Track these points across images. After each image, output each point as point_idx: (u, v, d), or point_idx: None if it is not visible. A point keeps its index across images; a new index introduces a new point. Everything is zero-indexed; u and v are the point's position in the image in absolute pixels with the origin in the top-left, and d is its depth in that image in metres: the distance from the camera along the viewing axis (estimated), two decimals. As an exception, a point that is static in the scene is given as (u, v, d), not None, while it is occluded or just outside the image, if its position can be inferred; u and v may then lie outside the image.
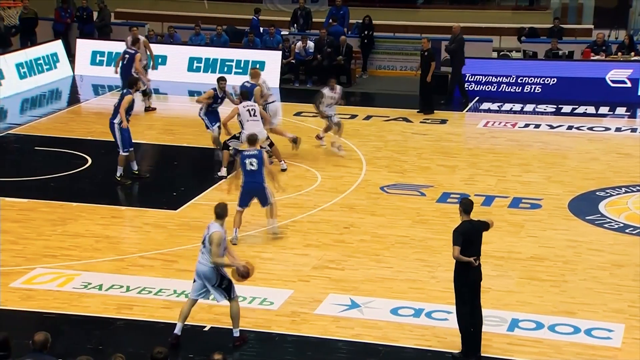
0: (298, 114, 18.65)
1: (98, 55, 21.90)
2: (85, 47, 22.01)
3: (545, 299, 10.29)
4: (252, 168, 11.64)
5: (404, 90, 20.46)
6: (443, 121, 18.26)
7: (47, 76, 20.87)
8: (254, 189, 11.70)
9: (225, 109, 15.31)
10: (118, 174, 13.93)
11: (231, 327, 9.26)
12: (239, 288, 10.32)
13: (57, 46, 21.65)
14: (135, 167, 14.25)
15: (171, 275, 10.78)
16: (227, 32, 22.58)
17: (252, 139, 12.01)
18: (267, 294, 10.29)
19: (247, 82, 15.60)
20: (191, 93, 20.63)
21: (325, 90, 15.61)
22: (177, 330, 9.18)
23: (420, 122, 18.08)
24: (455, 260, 8.87)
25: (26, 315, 9.81)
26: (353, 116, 18.49)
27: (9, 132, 17.14)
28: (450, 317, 9.74)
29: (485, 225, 9.18)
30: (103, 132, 15.53)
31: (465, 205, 9.11)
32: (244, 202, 11.75)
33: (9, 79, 19.66)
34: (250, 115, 13.83)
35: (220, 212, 9.21)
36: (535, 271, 11.07)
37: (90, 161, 15.09)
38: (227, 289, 9.14)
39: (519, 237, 12.18)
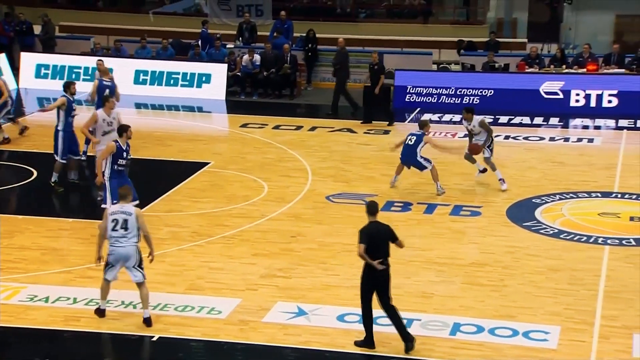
0: (244, 125, 18.60)
1: (43, 68, 21.54)
2: (29, 60, 21.62)
3: (486, 303, 10.43)
4: (409, 143, 13.92)
5: (347, 102, 20.56)
6: (386, 132, 18.42)
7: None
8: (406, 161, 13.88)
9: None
10: (52, 180, 13.79)
11: (180, 337, 9.16)
12: (185, 298, 10.22)
13: (1, 59, 21.21)
14: (73, 176, 14.00)
15: (119, 287, 10.57)
16: (173, 45, 22.44)
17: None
18: (215, 303, 10.22)
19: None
20: (137, 105, 20.41)
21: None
22: (102, 306, 9.80)
23: (364, 132, 18.21)
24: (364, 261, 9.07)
25: (-28, 329, 9.54)
26: (298, 127, 18.52)
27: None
28: (396, 323, 9.81)
29: (392, 234, 9.29)
30: (48, 145, 15.24)
31: (370, 207, 9.31)
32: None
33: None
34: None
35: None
36: (476, 276, 11.22)
37: (35, 174, 14.80)
38: (141, 268, 9.59)
39: (461, 244, 12.34)
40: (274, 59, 21.08)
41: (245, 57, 21.38)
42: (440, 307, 10.26)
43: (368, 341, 9.30)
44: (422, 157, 14.17)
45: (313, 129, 18.44)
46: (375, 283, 9.16)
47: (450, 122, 19.23)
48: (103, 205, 11.76)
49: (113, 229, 9.50)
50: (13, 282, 10.68)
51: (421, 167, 14.24)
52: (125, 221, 9.50)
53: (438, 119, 19.40)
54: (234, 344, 9.38)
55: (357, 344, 9.33)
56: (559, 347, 9.41)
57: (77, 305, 10.09)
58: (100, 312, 9.86)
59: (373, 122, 18.67)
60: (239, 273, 11.13)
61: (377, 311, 9.31)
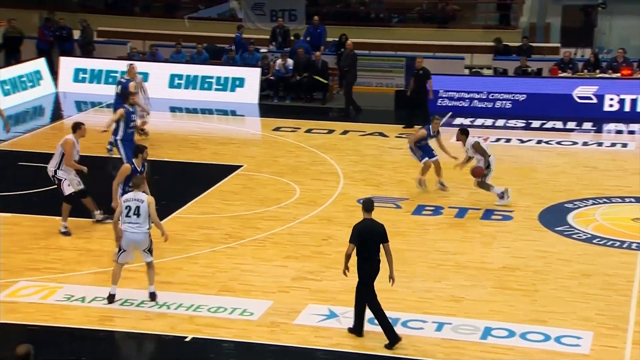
0: (276, 129, 18.66)
1: (80, 72, 21.80)
2: (68, 64, 21.91)
3: (516, 307, 10.33)
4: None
5: (379, 106, 20.56)
6: (417, 136, 18.29)
7: (30, 93, 20.73)
8: None
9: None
10: None
11: (213, 337, 9.20)
12: (218, 299, 10.27)
13: (41, 64, 21.53)
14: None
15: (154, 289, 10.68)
16: (208, 50, 22.59)
17: None
18: (247, 304, 10.24)
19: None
20: (172, 109, 20.57)
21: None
22: (112, 291, 10.12)
23: (396, 136, 18.15)
24: (357, 256, 9.21)
25: (9, 327, 9.67)
26: (330, 131, 18.52)
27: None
28: (426, 326, 9.78)
29: (384, 235, 9.33)
30: (85, 147, 15.41)
31: (366, 204, 9.47)
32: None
33: (-7, 96, 19.53)
34: None
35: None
36: (507, 281, 11.12)
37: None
38: (151, 251, 10.10)
39: (492, 248, 12.24)
40: (306, 64, 21.13)
41: (279, 61, 21.45)
42: (470, 311, 10.18)
43: (358, 328, 9.41)
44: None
45: (345, 132, 18.43)
46: (371, 273, 9.31)
47: (482, 126, 19.09)
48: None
49: (126, 215, 9.91)
50: (50, 282, 10.82)
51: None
52: (138, 208, 9.90)
53: (470, 123, 19.26)
54: (265, 346, 9.40)
55: (350, 330, 9.48)
56: (591, 352, 9.29)
57: (112, 306, 10.18)
58: (110, 298, 10.06)
59: (414, 127, 18.57)
60: (271, 275, 11.15)
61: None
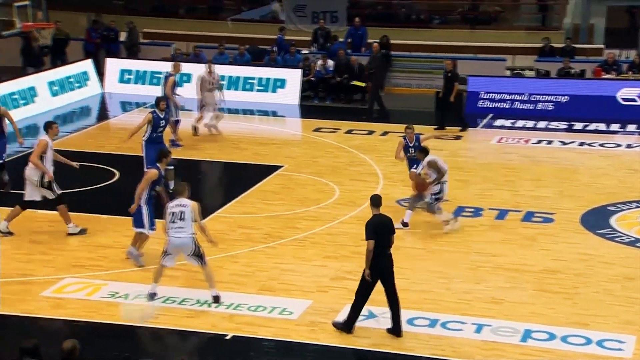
0: (317, 129, 18.69)
1: (126, 73, 22.09)
2: (114, 65, 22.22)
3: (557, 310, 10.20)
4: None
5: (419, 107, 20.45)
6: (457, 137, 18.22)
7: (77, 94, 21.07)
8: None
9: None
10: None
11: (253, 336, 9.26)
12: (258, 298, 10.32)
13: (88, 65, 21.88)
14: (172, 186, 13.77)
15: (194, 285, 10.79)
16: (250, 51, 22.72)
17: None
18: (287, 304, 10.28)
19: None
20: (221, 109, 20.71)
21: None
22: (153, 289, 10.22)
23: (435, 137, 18.00)
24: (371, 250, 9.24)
25: (56, 323, 9.85)
26: (370, 132, 18.49)
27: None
28: (465, 328, 9.70)
29: (393, 227, 9.51)
30: (130, 147, 15.65)
31: (374, 200, 9.57)
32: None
33: (41, 97, 19.87)
34: None
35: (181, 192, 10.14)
36: (547, 283, 10.98)
37: (118, 175, 15.18)
38: (200, 256, 10.05)
39: (532, 250, 12.10)
40: (345, 66, 21.13)
41: (319, 62, 21.49)
42: (510, 314, 10.08)
43: (349, 325, 9.46)
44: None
45: (385, 133, 18.38)
46: (380, 273, 9.32)
47: (524, 128, 18.89)
48: (140, 230, 11.30)
49: (171, 221, 10.02)
50: (95, 279, 10.99)
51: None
52: (182, 213, 9.98)
53: (511, 125, 19.09)
54: (305, 345, 9.42)
55: (336, 324, 9.53)
56: (633, 356, 9.13)
57: (154, 303, 10.30)
58: (151, 296, 10.15)
59: (446, 128, 18.48)
60: (310, 275, 11.18)
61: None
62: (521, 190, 14.56)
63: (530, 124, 19.15)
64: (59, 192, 12.35)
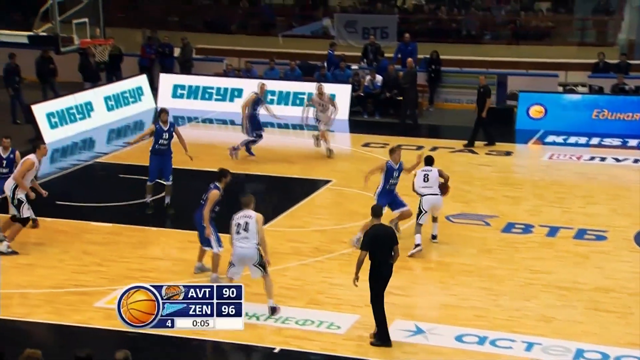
0: (366, 144, 18.66)
1: (179, 88, 22.40)
2: (167, 81, 22.55)
3: (610, 330, 9.96)
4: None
5: (469, 123, 20.24)
6: (508, 153, 18.02)
7: (132, 108, 21.44)
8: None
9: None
10: (147, 200, 13.84)
11: (300, 349, 9.26)
12: (306, 312, 10.30)
13: (142, 80, 22.26)
14: (167, 200, 13.99)
15: (244, 299, 10.82)
16: (300, 67, 22.85)
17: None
18: (335, 318, 10.25)
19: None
20: (264, 124, 20.87)
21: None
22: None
23: (486, 153, 17.87)
24: (371, 261, 9.34)
25: (109, 333, 9.98)
26: (419, 147, 18.38)
27: (96, 160, 17.64)
28: (515, 346, 9.54)
29: (395, 238, 9.57)
30: (182, 161, 15.84)
31: (375, 209, 9.74)
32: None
33: (97, 111, 20.27)
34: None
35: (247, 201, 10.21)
36: (600, 302, 10.74)
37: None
38: (263, 267, 10.13)
39: (584, 268, 11.85)
40: (394, 81, 21.11)
41: (367, 77, 21.51)
42: (561, 332, 9.88)
43: (384, 338, 9.44)
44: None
45: (434, 149, 18.26)
46: (380, 278, 9.38)
47: (576, 144, 18.58)
48: (215, 250, 11.12)
49: (236, 232, 10.11)
50: (146, 290, 11.10)
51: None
52: (247, 224, 10.08)
53: (563, 142, 18.80)
54: None
55: (374, 344, 9.44)
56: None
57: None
58: (272, 310, 10.26)
59: (496, 143, 18.29)
60: (358, 289, 11.10)
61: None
62: (573, 208, 14.30)
63: (582, 140, 18.82)
64: (26, 216, 12.08)
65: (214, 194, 11.00)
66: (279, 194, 15.48)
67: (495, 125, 19.78)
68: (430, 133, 20.03)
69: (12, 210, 12.11)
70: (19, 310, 10.49)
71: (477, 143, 18.36)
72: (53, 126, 18.92)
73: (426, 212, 12.25)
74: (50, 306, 10.58)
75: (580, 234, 13.07)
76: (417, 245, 12.11)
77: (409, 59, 20.93)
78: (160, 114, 14.19)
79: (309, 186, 15.59)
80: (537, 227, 13.38)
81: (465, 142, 18.34)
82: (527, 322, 10.13)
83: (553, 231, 13.20)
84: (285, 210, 14.23)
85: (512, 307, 10.60)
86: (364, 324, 10.10)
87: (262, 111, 17.16)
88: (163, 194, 14.23)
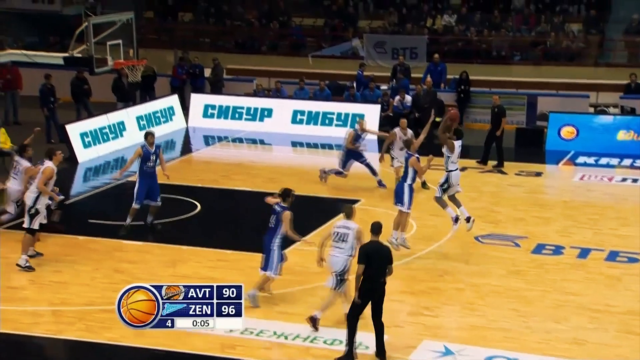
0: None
1: (210, 108, 22.62)
2: (198, 101, 22.79)
3: (643, 354, 9.81)
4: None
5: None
6: (538, 174, 17.89)
7: (163, 128, 21.68)
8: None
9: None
10: (126, 222, 13.70)
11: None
12: (335, 332, 10.28)
13: (174, 100, 22.53)
14: (148, 220, 13.98)
15: (272, 317, 10.86)
16: (330, 87, 22.96)
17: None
18: (363, 338, 10.19)
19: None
20: (294, 144, 20.98)
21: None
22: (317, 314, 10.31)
23: (515, 174, 17.77)
24: (363, 276, 9.37)
25: (139, 351, 10.05)
26: (463, 169, 18.30)
27: (128, 179, 17.81)
28: (545, 369, 9.42)
29: (390, 257, 9.59)
30: (212, 180, 16.01)
31: (373, 226, 9.73)
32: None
33: (130, 131, 20.53)
34: None
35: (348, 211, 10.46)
36: (633, 325, 10.58)
37: (199, 207, 15.48)
38: (342, 282, 10.23)
39: (616, 291, 11.70)
40: (426, 101, 21.10)
41: (397, 97, 21.53)
42: (594, 355, 9.75)
43: (350, 356, 9.43)
44: (409, 189, 12.75)
45: (463, 169, 18.14)
46: (369, 296, 9.38)
47: (607, 165, 18.39)
48: (273, 275, 11.16)
49: (334, 240, 10.36)
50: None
51: (397, 200, 12.87)
52: (345, 235, 10.27)
53: (594, 162, 18.62)
54: (380, 380, 9.32)
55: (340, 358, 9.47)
56: None
57: (232, 334, 10.36)
58: (312, 321, 10.31)
59: (524, 162, 18.21)
60: (387, 310, 11.03)
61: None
62: (605, 229, 14.14)
63: (614, 161, 18.63)
64: (35, 227, 12.24)
65: (287, 215, 10.97)
66: (308, 213, 15.49)
67: (525, 146, 19.72)
68: (460, 153, 19.92)
69: (25, 220, 12.28)
70: (51, 327, 10.61)
71: (471, 162, 18.29)
72: (86, 145, 19.20)
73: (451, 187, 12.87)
74: (82, 323, 10.69)
75: (612, 256, 12.91)
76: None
77: (428, 79, 20.99)
78: (147, 137, 14.11)
79: (337, 205, 15.58)
80: (568, 248, 13.24)
81: (495, 162, 18.27)
82: (558, 345, 10.01)
83: (584, 253, 13.06)
84: (314, 230, 14.23)
85: (543, 329, 10.49)
86: (392, 344, 10.04)
87: (369, 136, 17.14)
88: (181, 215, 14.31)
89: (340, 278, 10.29)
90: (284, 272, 12.30)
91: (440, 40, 25.78)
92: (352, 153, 16.65)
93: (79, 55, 16.41)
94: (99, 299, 11.41)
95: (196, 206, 15.53)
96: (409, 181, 12.98)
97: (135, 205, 13.75)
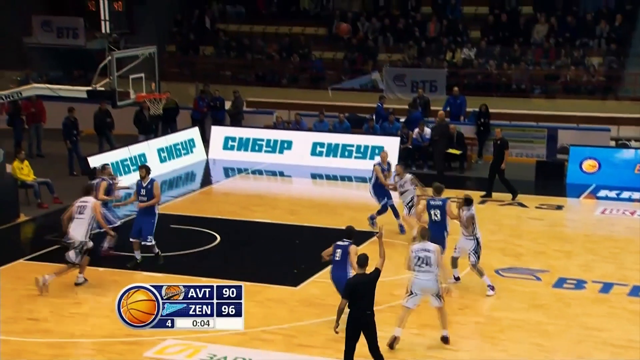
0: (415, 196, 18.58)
1: (230, 140, 22.80)
2: (219, 133, 22.98)
3: (667, 390, 9.66)
4: (436, 219, 12.67)
5: (519, 177, 20.12)
6: (559, 207, 17.80)
7: (184, 160, 21.88)
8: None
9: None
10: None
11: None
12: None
13: (194, 132, 22.73)
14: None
15: (291, 350, 10.83)
16: (349, 119, 23.08)
17: (439, 188, 12.91)
18: (383, 372, 10.14)
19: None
20: (313, 176, 21.06)
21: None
22: (397, 333, 10.74)
23: (536, 207, 17.69)
24: (350, 310, 9.51)
25: (156, 381, 10.06)
26: (484, 201, 18.29)
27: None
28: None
29: (373, 280, 9.65)
30: (232, 212, 16.08)
31: (359, 259, 9.78)
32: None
33: (151, 163, 20.67)
34: None
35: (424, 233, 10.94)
36: (656, 361, 10.44)
37: (219, 238, 15.54)
38: (440, 297, 10.81)
39: (639, 326, 11.55)
40: (442, 134, 21.16)
41: (416, 130, 21.59)
42: (616, 392, 9.61)
43: None
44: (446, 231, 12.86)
45: (483, 202, 18.15)
46: (356, 329, 9.38)
47: (629, 199, 18.26)
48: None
49: (417, 265, 10.82)
50: (195, 341, 11.16)
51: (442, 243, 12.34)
52: (428, 258, 10.76)
53: (616, 196, 18.51)
54: (399, 415, 9.24)
55: None
56: None
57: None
58: (393, 340, 10.68)
59: (544, 195, 18.14)
60: (406, 343, 11.03)
61: None
62: (627, 264, 14.00)
63: (636, 195, 18.50)
64: (78, 261, 12.77)
65: (354, 249, 11.30)
66: (326, 245, 15.46)
67: (546, 179, 19.64)
68: (479, 186, 19.90)
69: (71, 254, 12.72)
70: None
71: (525, 196, 18.21)
72: (108, 177, 19.33)
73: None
74: (103, 356, 10.72)
75: (635, 291, 12.77)
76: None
77: (440, 112, 21.06)
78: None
79: (356, 237, 15.55)
80: (589, 282, 13.13)
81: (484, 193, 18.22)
82: (580, 381, 9.89)
83: (607, 287, 12.93)
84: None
85: (565, 364, 10.37)
86: (412, 378, 9.98)
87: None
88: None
89: (439, 295, 10.83)
90: (302, 305, 12.31)
91: (459, 73, 25.88)
92: (379, 189, 16.07)
93: (102, 88, 16.65)
94: (120, 331, 11.41)
95: (215, 238, 15.59)
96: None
97: (131, 239, 13.89)
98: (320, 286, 13.03)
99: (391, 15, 27.95)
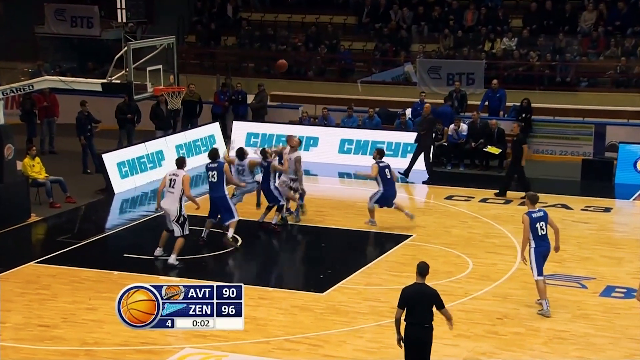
0: (449, 197, 18.53)
1: (252, 137, 22.85)
2: (240, 129, 23.04)
3: None
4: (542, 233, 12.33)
5: (564, 176, 19.95)
6: (607, 209, 17.60)
7: (203, 157, 21.87)
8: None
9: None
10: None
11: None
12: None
13: (215, 128, 22.80)
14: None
15: (315, 359, 10.84)
16: (380, 114, 22.98)
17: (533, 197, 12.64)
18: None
19: None
20: (341, 175, 21.03)
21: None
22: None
23: (582, 209, 17.51)
24: (405, 322, 9.30)
25: (172, 392, 10.10)
26: (507, 201, 18.16)
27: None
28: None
29: (437, 300, 9.44)
30: (255, 213, 16.10)
31: (419, 267, 9.52)
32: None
33: (169, 160, 20.81)
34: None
35: None
36: None
37: (240, 241, 15.59)
38: None
39: (695, 338, 11.38)
40: (481, 131, 21.02)
41: (452, 126, 21.47)
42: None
43: None
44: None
45: (524, 203, 17.96)
46: (413, 344, 9.26)
47: (683, 200, 18.01)
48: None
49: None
50: (214, 350, 11.22)
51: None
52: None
53: (667, 196, 18.27)
54: None
55: None
56: None
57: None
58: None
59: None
60: (440, 354, 10.96)
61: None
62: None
63: (689, 195, 18.26)
64: (187, 232, 14.04)
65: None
66: (355, 249, 15.47)
67: (592, 179, 19.41)
68: (520, 186, 19.74)
69: (175, 228, 13.99)
70: (83, 366, 10.75)
71: (570, 197, 18.03)
72: (124, 175, 19.47)
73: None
74: (116, 364, 10.80)
75: (689, 300, 12.57)
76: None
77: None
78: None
79: (386, 241, 15.55)
80: (640, 291, 12.93)
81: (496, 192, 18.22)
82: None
83: (658, 296, 12.73)
84: (362, 267, 14.21)
85: (612, 379, 10.25)
86: (446, 392, 9.93)
87: None
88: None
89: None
90: (328, 312, 12.29)
91: (499, 65, 25.68)
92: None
93: (118, 81, 16.74)
94: (134, 339, 11.51)
95: (237, 240, 15.64)
96: (533, 244, 12.27)
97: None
98: (347, 293, 13.01)
99: (425, 2, 27.80)
